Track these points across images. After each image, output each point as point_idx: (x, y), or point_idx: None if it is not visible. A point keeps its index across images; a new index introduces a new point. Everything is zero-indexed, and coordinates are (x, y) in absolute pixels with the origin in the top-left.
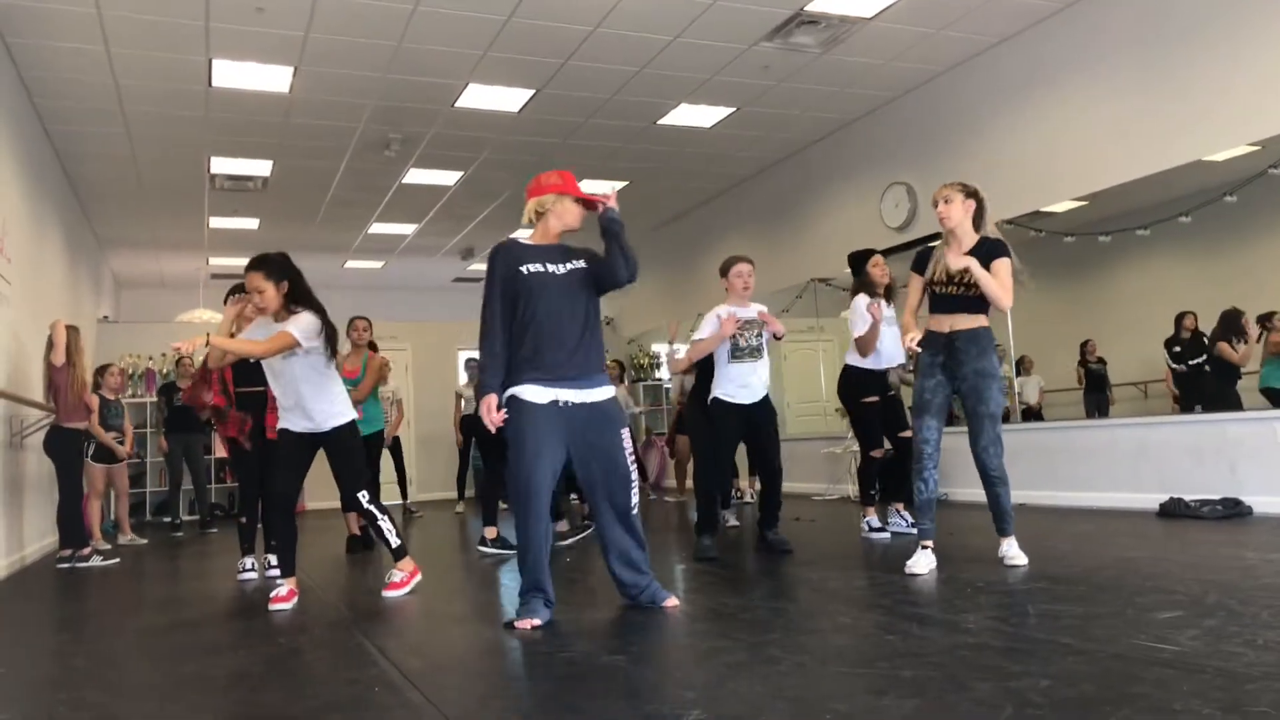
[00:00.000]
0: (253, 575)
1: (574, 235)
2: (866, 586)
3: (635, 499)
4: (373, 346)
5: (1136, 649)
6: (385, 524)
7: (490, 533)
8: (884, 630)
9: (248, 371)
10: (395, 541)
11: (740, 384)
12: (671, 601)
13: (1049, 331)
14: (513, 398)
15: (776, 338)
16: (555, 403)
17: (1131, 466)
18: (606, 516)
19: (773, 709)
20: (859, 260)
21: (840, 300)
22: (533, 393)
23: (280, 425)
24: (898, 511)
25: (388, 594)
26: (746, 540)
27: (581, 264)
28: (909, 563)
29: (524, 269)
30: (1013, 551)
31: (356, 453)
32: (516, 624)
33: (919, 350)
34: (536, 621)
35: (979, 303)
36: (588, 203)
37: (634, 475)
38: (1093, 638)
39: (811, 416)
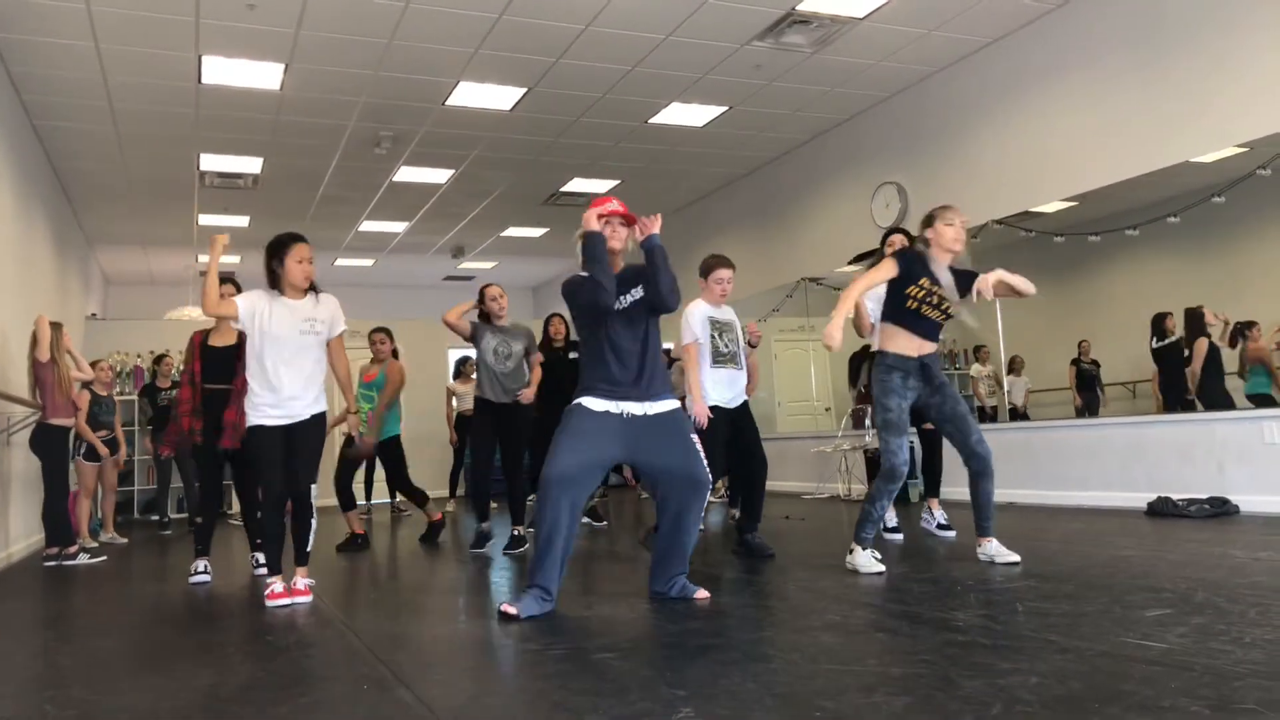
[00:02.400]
0: (206, 579)
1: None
2: (856, 584)
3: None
4: (395, 354)
5: (1125, 647)
6: (314, 524)
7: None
8: (874, 628)
9: (217, 369)
10: (310, 545)
11: (725, 385)
12: (701, 594)
13: (1038, 331)
14: (576, 405)
15: (751, 345)
16: (612, 413)
17: (1120, 466)
18: (669, 515)
19: (763, 706)
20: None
21: (831, 299)
22: (593, 403)
23: (255, 422)
24: (929, 508)
25: (300, 600)
26: (726, 541)
27: (640, 292)
28: (865, 568)
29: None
30: (999, 549)
31: (320, 445)
32: (504, 608)
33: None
34: (512, 610)
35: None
36: (628, 220)
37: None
38: (1081, 635)
39: (802, 415)
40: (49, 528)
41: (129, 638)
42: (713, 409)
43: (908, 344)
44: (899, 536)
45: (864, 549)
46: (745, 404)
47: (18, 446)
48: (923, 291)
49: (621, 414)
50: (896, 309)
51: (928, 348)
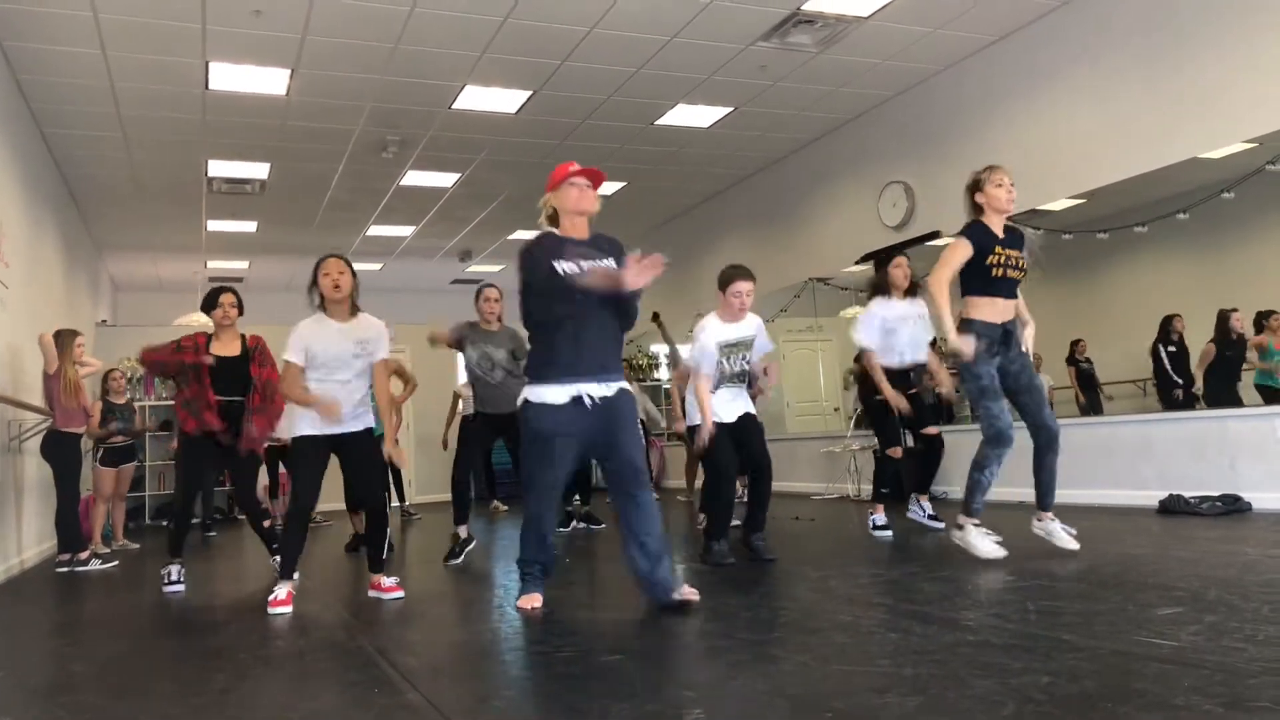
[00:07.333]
0: (180, 588)
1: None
2: (867, 585)
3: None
4: None
5: (1137, 645)
6: (389, 531)
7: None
8: (885, 628)
9: (225, 383)
10: (385, 553)
11: (725, 402)
12: (689, 593)
13: (1048, 330)
14: (533, 403)
15: (761, 390)
16: (575, 401)
17: (1131, 464)
18: (627, 504)
19: (774, 708)
20: (882, 260)
21: (839, 299)
22: (553, 392)
23: (301, 432)
24: (919, 501)
25: (395, 596)
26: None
27: (612, 264)
28: (982, 551)
29: (558, 266)
30: (1058, 530)
31: (378, 454)
32: (519, 604)
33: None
34: (538, 601)
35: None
36: (592, 175)
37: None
38: (1094, 634)
39: (811, 416)
40: (61, 534)
41: (141, 643)
42: (718, 425)
43: (992, 311)
44: (889, 534)
45: (975, 521)
46: (748, 414)
47: (30, 454)
48: (1000, 257)
49: (581, 398)
50: (983, 281)
51: (1009, 313)
